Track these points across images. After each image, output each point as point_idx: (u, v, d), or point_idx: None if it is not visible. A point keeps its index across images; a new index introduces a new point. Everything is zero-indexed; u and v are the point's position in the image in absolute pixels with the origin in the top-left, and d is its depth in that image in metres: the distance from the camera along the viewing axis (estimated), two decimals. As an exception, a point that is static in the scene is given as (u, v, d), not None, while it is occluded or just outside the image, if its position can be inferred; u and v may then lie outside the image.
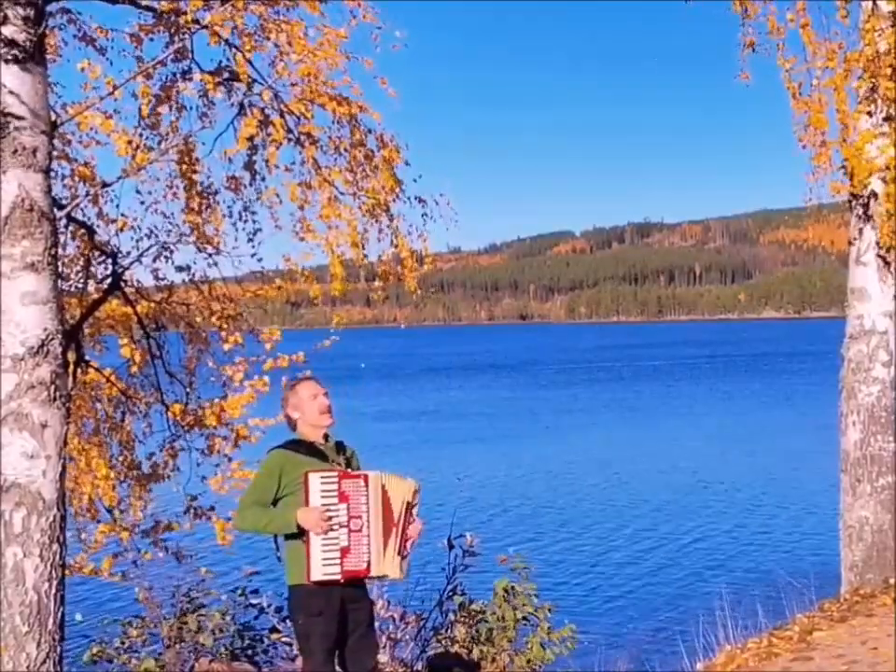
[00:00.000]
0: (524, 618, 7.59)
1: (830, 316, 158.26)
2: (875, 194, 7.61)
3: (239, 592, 7.82)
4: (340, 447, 4.95)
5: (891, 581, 7.55)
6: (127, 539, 7.40)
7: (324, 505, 4.72)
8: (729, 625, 7.11)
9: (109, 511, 7.33)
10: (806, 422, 34.30)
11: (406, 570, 4.96)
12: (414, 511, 4.92)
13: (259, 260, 6.74)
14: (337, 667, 4.90)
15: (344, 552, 4.74)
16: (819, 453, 23.00)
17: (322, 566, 4.72)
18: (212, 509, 7.32)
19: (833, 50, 7.40)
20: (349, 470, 4.85)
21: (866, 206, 7.71)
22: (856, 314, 7.89)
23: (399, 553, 4.85)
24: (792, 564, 15.39)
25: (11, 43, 4.72)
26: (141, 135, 6.31)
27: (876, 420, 7.78)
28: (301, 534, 4.74)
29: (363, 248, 6.35)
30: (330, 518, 4.71)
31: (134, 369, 7.09)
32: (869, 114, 7.52)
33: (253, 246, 6.63)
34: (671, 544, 19.05)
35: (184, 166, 6.38)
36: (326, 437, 4.91)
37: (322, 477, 4.73)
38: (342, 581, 4.74)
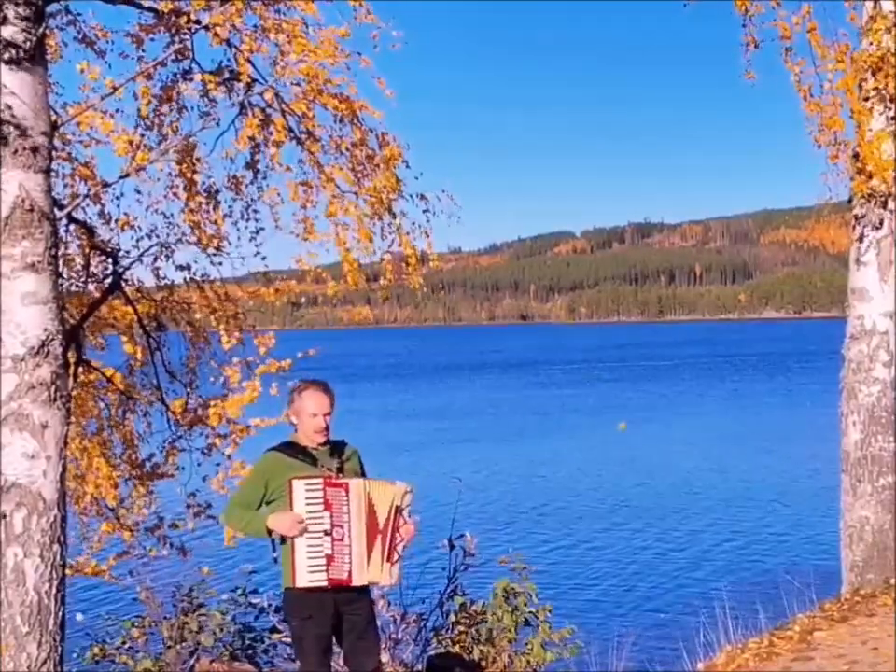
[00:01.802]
0: (525, 621, 7.59)
1: (830, 317, 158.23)
2: (891, 193, 7.61)
3: (239, 592, 7.83)
4: (337, 449, 4.90)
5: (892, 581, 7.55)
6: (129, 538, 7.40)
7: (309, 512, 4.71)
8: (729, 625, 7.11)
9: (111, 509, 7.33)
10: (807, 421, 34.29)
11: (398, 575, 4.92)
12: (405, 513, 4.89)
13: (263, 259, 6.74)
14: (341, 668, 4.90)
15: (329, 559, 4.73)
16: (819, 452, 23.02)
17: (308, 572, 4.72)
18: (209, 506, 7.33)
19: (843, 52, 7.40)
20: (337, 476, 4.80)
21: (870, 205, 7.71)
22: (856, 314, 7.88)
23: (387, 560, 4.83)
24: (793, 564, 15.40)
25: (11, 44, 4.72)
26: (141, 136, 6.31)
27: (877, 420, 7.78)
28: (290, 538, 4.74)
29: (371, 242, 6.34)
30: (312, 523, 4.70)
31: (137, 365, 7.09)
32: (879, 113, 7.53)
33: (256, 246, 6.63)
34: (671, 544, 19.05)
35: (184, 166, 6.38)
36: (326, 440, 4.89)
37: (307, 484, 4.72)
38: (328, 587, 4.74)
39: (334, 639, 4.90)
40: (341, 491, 4.75)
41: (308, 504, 4.70)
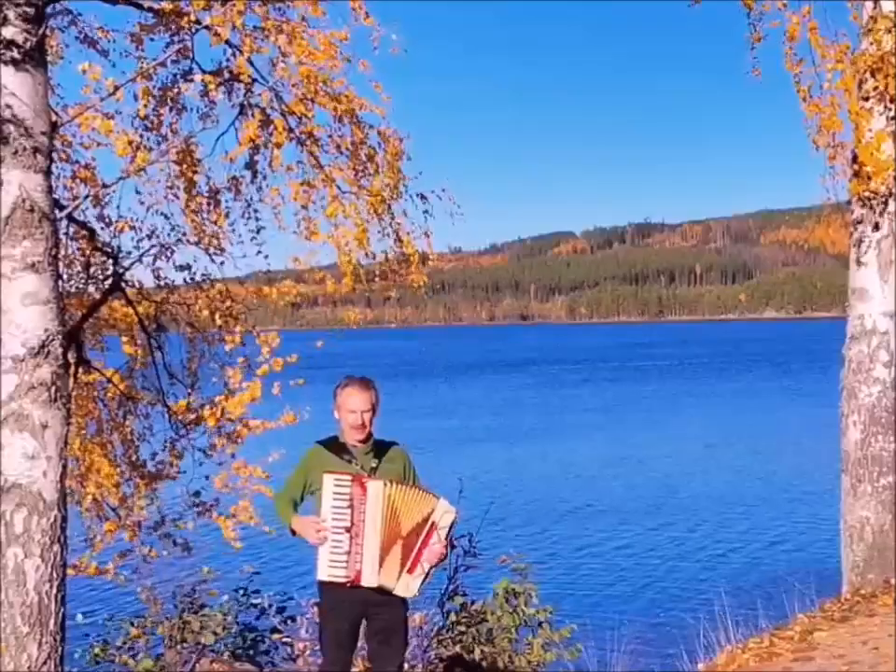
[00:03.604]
0: (525, 622, 7.59)
1: (831, 317, 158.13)
2: (891, 193, 7.60)
3: (241, 592, 7.83)
4: (380, 449, 4.93)
5: (892, 581, 7.54)
6: (131, 538, 7.41)
7: (335, 507, 4.75)
8: (730, 625, 7.10)
9: (113, 509, 7.33)
10: (808, 421, 34.29)
11: (415, 588, 4.88)
12: (442, 533, 4.88)
13: (266, 257, 6.73)
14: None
15: (347, 556, 4.76)
16: (820, 452, 23.01)
17: (329, 567, 4.77)
18: (217, 501, 7.33)
19: (843, 52, 7.39)
20: (369, 476, 4.82)
21: (870, 206, 7.70)
22: (857, 314, 7.87)
23: (407, 571, 4.82)
24: (793, 564, 15.40)
25: (11, 44, 4.72)
26: (141, 136, 6.31)
27: (877, 420, 7.77)
28: None
29: (368, 245, 6.34)
30: (337, 519, 4.74)
31: (137, 365, 7.09)
32: (879, 113, 7.52)
33: (258, 244, 6.62)
34: (671, 544, 19.05)
35: (184, 167, 6.38)
36: (369, 436, 4.91)
37: (336, 479, 4.77)
38: (347, 584, 4.76)
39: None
40: (361, 490, 4.78)
41: (335, 499, 4.75)
